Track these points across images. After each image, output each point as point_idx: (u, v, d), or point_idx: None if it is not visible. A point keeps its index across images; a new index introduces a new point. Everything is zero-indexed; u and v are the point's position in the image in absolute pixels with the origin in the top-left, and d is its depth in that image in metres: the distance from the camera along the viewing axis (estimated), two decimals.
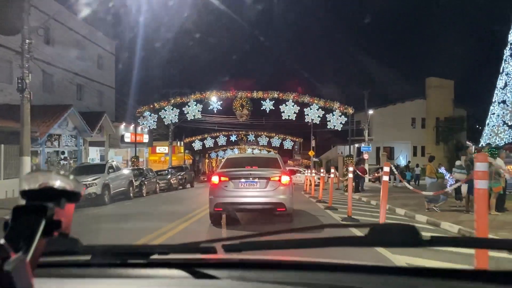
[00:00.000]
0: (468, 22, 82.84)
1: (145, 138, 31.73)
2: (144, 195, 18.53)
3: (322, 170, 17.44)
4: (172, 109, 23.18)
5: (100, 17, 31.42)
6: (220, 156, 60.22)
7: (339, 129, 22.79)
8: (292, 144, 44.40)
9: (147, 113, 23.45)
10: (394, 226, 0.93)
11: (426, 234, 0.91)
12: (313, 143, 41.15)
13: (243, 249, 1.07)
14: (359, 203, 14.24)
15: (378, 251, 5.27)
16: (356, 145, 47.20)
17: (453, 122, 41.98)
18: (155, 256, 1.14)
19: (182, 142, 44.45)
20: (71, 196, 0.80)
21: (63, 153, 21.37)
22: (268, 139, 43.17)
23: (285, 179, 8.03)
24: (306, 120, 22.88)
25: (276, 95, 22.69)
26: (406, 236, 0.90)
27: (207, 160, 69.96)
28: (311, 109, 22.58)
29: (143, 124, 23.70)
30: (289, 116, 22.79)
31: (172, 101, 23.08)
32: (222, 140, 42.83)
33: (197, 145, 43.05)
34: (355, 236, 1.10)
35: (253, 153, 19.33)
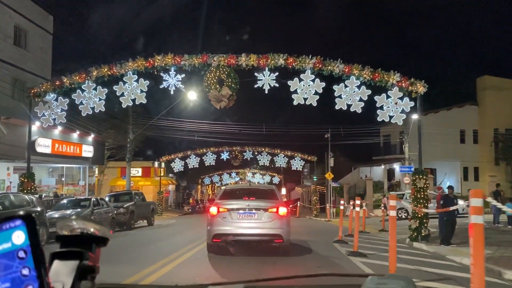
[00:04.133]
0: None
1: (87, 152, 21.25)
2: None
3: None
4: (95, 89, 12.82)
5: None
6: (216, 182, 50.38)
7: (400, 123, 12.32)
8: (302, 165, 33.51)
9: (49, 97, 13.01)
10: (390, 278, 1.01)
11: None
12: (331, 162, 30.50)
13: None
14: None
15: None
16: (387, 166, 36.56)
17: None
18: None
19: (161, 163, 34.14)
20: (100, 241, 0.84)
21: None
22: (270, 157, 32.45)
23: (282, 210, 8.24)
24: (337, 107, 12.42)
25: (282, 61, 12.34)
26: None
27: (199, 187, 59.13)
28: (346, 85, 12.18)
29: (43, 115, 13.17)
30: (305, 99, 12.39)
31: (95, 74, 12.71)
32: (210, 159, 32.30)
33: (177, 166, 32.59)
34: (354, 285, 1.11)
35: (249, 184, 15.31)
